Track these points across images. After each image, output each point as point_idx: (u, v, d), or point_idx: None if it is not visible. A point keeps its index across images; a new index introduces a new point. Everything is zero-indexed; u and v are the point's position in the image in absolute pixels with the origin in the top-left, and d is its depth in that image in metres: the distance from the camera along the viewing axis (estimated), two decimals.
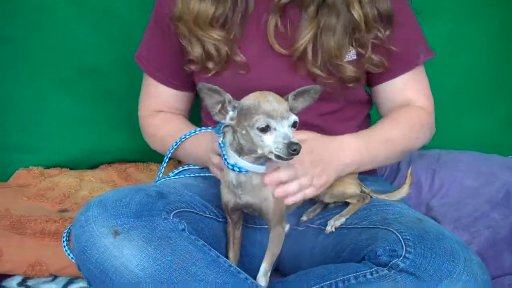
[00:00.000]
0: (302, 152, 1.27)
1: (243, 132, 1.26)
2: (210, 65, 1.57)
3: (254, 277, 1.38)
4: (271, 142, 1.23)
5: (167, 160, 1.64)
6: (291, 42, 1.54)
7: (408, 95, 1.67)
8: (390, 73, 1.64)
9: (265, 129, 1.23)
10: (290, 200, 1.36)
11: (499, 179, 2.03)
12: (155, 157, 2.24)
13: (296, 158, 1.25)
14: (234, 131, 1.30)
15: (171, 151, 1.63)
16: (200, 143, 1.57)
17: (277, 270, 1.60)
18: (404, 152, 1.64)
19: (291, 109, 1.29)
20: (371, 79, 1.68)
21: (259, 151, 1.26)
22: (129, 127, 2.18)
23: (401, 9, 1.61)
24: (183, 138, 1.60)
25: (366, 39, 1.55)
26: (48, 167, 2.18)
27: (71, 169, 2.20)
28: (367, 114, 1.75)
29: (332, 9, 1.52)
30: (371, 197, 1.55)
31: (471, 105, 2.30)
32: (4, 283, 1.70)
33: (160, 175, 1.66)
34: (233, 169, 1.32)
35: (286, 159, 1.24)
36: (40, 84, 2.13)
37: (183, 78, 1.71)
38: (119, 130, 2.21)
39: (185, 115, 1.81)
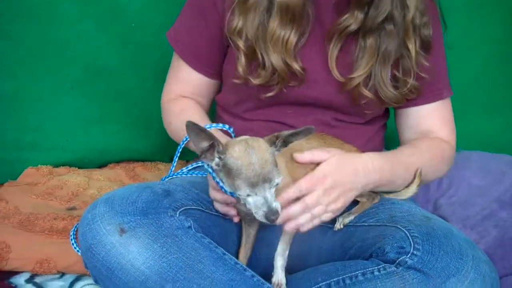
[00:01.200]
0: (317, 181, 1.32)
1: (229, 182, 1.26)
2: (262, 73, 1.53)
3: (261, 275, 1.38)
4: (251, 206, 1.24)
5: (178, 155, 1.61)
6: (348, 69, 1.54)
7: (432, 125, 1.65)
8: (417, 100, 1.63)
9: (247, 195, 1.24)
10: (304, 229, 1.36)
11: (507, 179, 2.02)
12: (163, 156, 2.27)
13: (309, 187, 1.31)
14: None
15: (178, 153, 1.61)
16: None
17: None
18: (422, 181, 1.58)
19: (284, 142, 1.27)
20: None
21: (241, 202, 1.29)
22: (137, 127, 2.20)
23: (437, 37, 1.61)
24: (185, 141, 1.57)
25: (411, 66, 1.55)
26: (56, 166, 2.19)
27: (79, 168, 2.21)
28: (384, 124, 1.74)
29: (390, 38, 1.52)
30: (380, 196, 1.54)
31: (481, 106, 2.30)
32: (12, 280, 1.71)
33: (172, 171, 1.65)
34: (232, 196, 1.33)
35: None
36: (50, 83, 2.14)
37: (218, 67, 1.69)
38: (128, 130, 2.22)
39: (210, 101, 1.78)
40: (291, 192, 1.33)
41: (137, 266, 1.25)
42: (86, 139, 2.20)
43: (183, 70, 1.71)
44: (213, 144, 1.25)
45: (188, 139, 1.51)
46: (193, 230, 1.33)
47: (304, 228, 1.35)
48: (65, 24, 2.10)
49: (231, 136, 1.52)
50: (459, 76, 2.16)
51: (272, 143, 1.27)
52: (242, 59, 1.52)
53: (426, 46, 1.57)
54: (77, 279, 1.71)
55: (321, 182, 1.35)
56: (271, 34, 1.48)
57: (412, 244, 1.31)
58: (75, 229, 1.67)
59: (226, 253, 1.34)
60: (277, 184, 1.25)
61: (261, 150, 1.25)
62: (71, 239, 1.63)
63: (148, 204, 1.32)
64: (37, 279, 1.71)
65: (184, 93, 1.73)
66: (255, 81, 1.52)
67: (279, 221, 1.28)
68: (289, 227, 1.33)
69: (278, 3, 1.47)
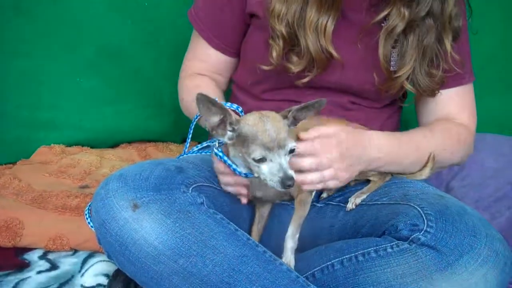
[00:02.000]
0: (331, 144, 1.30)
1: (240, 155, 1.28)
2: (296, 60, 1.53)
3: (272, 251, 1.38)
4: (266, 173, 1.25)
5: (191, 132, 1.60)
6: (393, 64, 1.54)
7: (451, 110, 1.64)
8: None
9: (262, 160, 1.25)
10: (307, 187, 1.36)
11: None
12: (175, 137, 2.27)
13: (324, 149, 1.30)
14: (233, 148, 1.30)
15: (191, 129, 1.60)
16: None
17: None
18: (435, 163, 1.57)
19: (295, 119, 1.29)
20: None
21: (255, 174, 1.29)
22: (150, 107, 2.20)
23: (463, 25, 1.59)
24: (197, 117, 1.56)
25: (442, 58, 1.55)
26: (69, 145, 2.20)
27: (91, 147, 2.22)
28: (400, 106, 1.73)
29: (430, 32, 1.51)
30: (392, 175, 1.54)
31: (495, 87, 2.27)
32: (26, 256, 1.73)
33: (186, 150, 1.65)
34: (246, 177, 1.33)
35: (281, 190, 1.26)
36: (64, 63, 2.15)
37: (237, 45, 1.68)
38: (140, 110, 2.23)
39: (227, 80, 1.77)
40: (305, 145, 1.33)
41: (150, 241, 1.26)
42: (98, 118, 2.21)
43: (202, 48, 1.71)
44: (225, 118, 1.25)
45: (200, 115, 1.53)
46: (205, 206, 1.33)
47: (307, 187, 1.36)
48: (80, 3, 2.11)
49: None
50: (473, 57, 2.15)
51: (285, 117, 1.29)
52: (280, 45, 1.51)
53: (455, 37, 1.56)
54: (90, 256, 1.73)
55: (335, 146, 1.36)
56: (309, 20, 1.48)
57: (425, 222, 1.31)
58: (90, 206, 1.68)
59: (238, 229, 1.34)
60: (292, 151, 1.26)
61: (275, 119, 1.27)
62: (87, 217, 1.64)
63: (161, 180, 1.32)
64: (50, 256, 1.73)
65: (202, 71, 1.73)
66: (295, 69, 1.51)
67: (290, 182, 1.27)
68: (298, 179, 1.32)
69: None
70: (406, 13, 1.48)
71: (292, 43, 1.51)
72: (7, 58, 2.11)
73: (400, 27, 1.49)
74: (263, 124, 1.25)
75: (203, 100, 1.23)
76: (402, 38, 1.52)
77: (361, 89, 1.58)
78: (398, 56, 1.53)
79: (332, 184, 1.39)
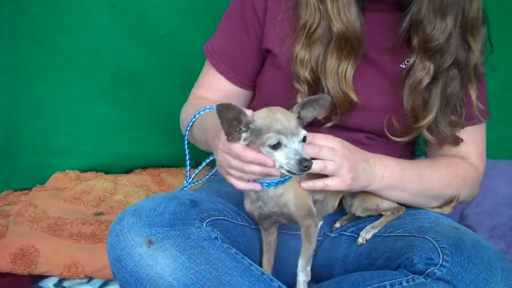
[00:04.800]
0: (336, 141, 1.35)
1: (258, 143, 1.28)
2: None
3: (288, 284, 1.38)
4: (282, 158, 1.25)
5: (187, 150, 1.61)
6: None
7: (463, 149, 1.60)
8: None
9: (276, 146, 1.26)
10: (305, 186, 1.34)
11: None
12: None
13: (328, 141, 1.32)
14: None
15: (185, 141, 1.61)
16: (203, 122, 1.52)
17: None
18: (437, 198, 1.55)
19: (301, 118, 1.30)
20: None
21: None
22: (163, 133, 2.22)
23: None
24: (194, 118, 1.55)
25: (465, 107, 1.53)
26: (84, 171, 2.22)
27: (106, 173, 2.24)
28: (416, 139, 1.68)
29: (454, 82, 1.49)
30: (405, 208, 1.53)
31: (507, 112, 2.25)
32: (41, 284, 1.75)
33: (188, 174, 1.65)
34: (269, 185, 1.33)
35: (298, 174, 1.26)
36: (79, 90, 2.18)
37: (254, 77, 1.68)
38: (154, 136, 2.25)
39: None
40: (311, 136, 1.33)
41: (165, 277, 1.26)
42: (113, 144, 2.23)
43: (215, 80, 1.69)
44: (240, 117, 1.25)
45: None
46: (220, 241, 1.33)
47: (305, 185, 1.34)
48: (95, 32, 2.14)
49: None
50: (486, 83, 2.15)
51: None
52: (305, 90, 1.51)
53: (478, 82, 1.54)
54: (105, 284, 1.74)
55: (342, 145, 1.37)
56: (330, 66, 1.48)
57: (441, 255, 1.30)
58: None
59: (253, 263, 1.34)
60: (304, 138, 1.28)
61: (283, 111, 1.30)
62: None
63: (175, 215, 1.32)
64: (65, 284, 1.75)
65: (210, 99, 1.71)
66: (320, 115, 1.49)
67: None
68: (314, 165, 1.28)
69: (336, 34, 1.45)
70: (431, 67, 1.46)
71: (316, 87, 1.51)
72: (23, 85, 2.15)
73: (426, 81, 1.47)
74: (274, 114, 1.28)
75: (221, 107, 1.23)
76: (425, 88, 1.49)
77: (379, 130, 1.56)
78: (424, 106, 1.50)
79: (333, 184, 1.36)
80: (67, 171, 2.20)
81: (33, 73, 2.14)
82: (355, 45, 1.46)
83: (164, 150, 2.25)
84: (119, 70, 2.17)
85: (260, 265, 1.46)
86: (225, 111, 1.23)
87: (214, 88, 1.70)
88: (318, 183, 1.35)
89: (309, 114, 1.32)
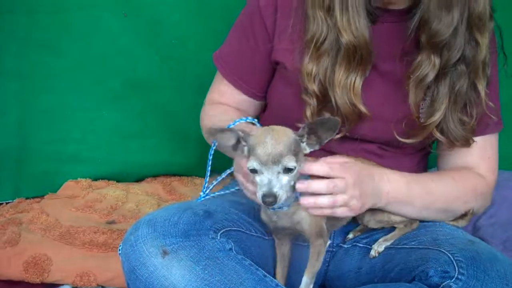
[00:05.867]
0: (348, 168, 1.29)
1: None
2: None
3: None
4: (257, 185, 1.25)
5: (211, 157, 1.55)
6: (425, 114, 1.51)
7: (471, 160, 1.58)
8: None
9: (254, 171, 1.25)
10: (316, 212, 1.33)
11: None
12: (200, 170, 2.26)
13: (340, 173, 1.29)
14: None
15: (209, 160, 1.56)
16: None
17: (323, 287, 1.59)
18: (446, 211, 1.54)
19: (319, 138, 1.27)
20: None
21: None
22: (175, 141, 2.22)
23: (494, 71, 1.57)
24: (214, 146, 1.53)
25: (476, 106, 1.51)
26: (95, 179, 2.22)
27: (117, 181, 2.24)
28: (429, 152, 1.69)
29: (462, 78, 1.48)
30: (418, 222, 1.52)
31: None
32: None
33: (205, 185, 1.64)
34: (273, 209, 1.33)
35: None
36: (91, 97, 2.18)
37: (264, 88, 1.68)
38: (166, 144, 2.25)
39: (250, 116, 1.69)
40: (320, 166, 1.31)
41: None
42: (124, 152, 2.23)
43: (225, 88, 1.70)
44: (239, 137, 1.27)
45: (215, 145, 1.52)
46: (234, 252, 1.33)
47: (315, 212, 1.32)
48: (107, 40, 2.14)
49: None
50: (500, 92, 2.13)
51: (301, 136, 1.28)
52: (314, 103, 1.50)
53: (487, 83, 1.52)
54: None
55: (352, 172, 1.34)
56: (338, 79, 1.47)
57: (456, 269, 1.29)
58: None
59: (267, 275, 1.34)
60: (289, 170, 1.24)
61: (280, 133, 1.26)
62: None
63: (189, 225, 1.32)
64: None
65: (228, 104, 1.72)
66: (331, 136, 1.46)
67: (301, 187, 1.27)
68: (307, 201, 1.30)
69: (345, 45, 1.45)
70: (437, 62, 1.45)
71: (325, 100, 1.50)
72: (35, 93, 2.15)
73: (431, 76, 1.46)
74: (265, 136, 1.25)
75: (215, 131, 1.28)
76: (433, 86, 1.49)
77: (391, 139, 1.56)
78: (431, 105, 1.49)
79: (341, 211, 1.34)
80: (79, 179, 2.20)
81: (44, 80, 2.14)
82: (364, 56, 1.46)
83: (176, 159, 2.25)
84: (131, 77, 2.17)
85: (274, 276, 1.46)
86: (218, 134, 1.28)
87: (226, 94, 1.71)
88: (326, 211, 1.33)
89: (325, 135, 1.28)
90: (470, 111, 1.52)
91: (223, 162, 1.50)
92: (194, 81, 2.12)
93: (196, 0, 2.12)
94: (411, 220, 1.50)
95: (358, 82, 1.47)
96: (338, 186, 1.31)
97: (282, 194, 1.24)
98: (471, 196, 1.55)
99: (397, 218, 1.48)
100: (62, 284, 1.78)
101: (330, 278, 1.55)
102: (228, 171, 1.60)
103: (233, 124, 1.51)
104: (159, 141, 2.24)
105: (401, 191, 1.45)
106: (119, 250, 1.45)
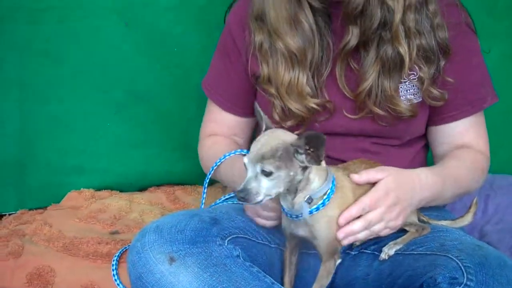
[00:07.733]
0: (381, 197, 1.34)
1: None
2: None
3: None
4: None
5: (206, 187, 1.68)
6: (357, 85, 1.55)
7: (469, 139, 1.64)
8: (454, 115, 1.62)
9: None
10: (346, 242, 1.37)
11: None
12: (203, 179, 2.27)
13: (372, 199, 1.34)
14: None
15: (206, 181, 1.67)
16: (234, 168, 1.58)
17: None
18: (464, 193, 1.62)
19: (307, 160, 1.26)
20: (433, 119, 1.65)
21: None
22: (178, 150, 2.21)
23: (467, 47, 1.60)
24: (215, 165, 1.63)
25: (424, 72, 1.54)
26: (98, 189, 2.21)
27: (120, 191, 2.22)
28: (425, 144, 1.72)
29: (387, 45, 1.51)
30: (429, 225, 1.51)
31: None
32: None
33: (203, 201, 1.67)
34: (291, 217, 1.34)
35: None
36: (93, 107, 2.18)
37: (248, 104, 1.71)
38: (169, 154, 2.24)
39: (247, 139, 1.80)
40: (354, 210, 1.34)
41: None
42: (127, 162, 2.22)
43: (214, 111, 1.76)
44: None
45: (212, 171, 1.63)
46: (242, 259, 1.33)
47: (346, 241, 1.37)
48: (109, 49, 2.13)
49: None
50: (502, 99, 2.13)
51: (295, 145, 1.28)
52: (278, 105, 1.56)
53: (446, 52, 1.55)
54: None
55: (384, 199, 1.36)
56: (281, 79, 1.53)
57: (465, 275, 1.28)
58: (117, 259, 1.68)
59: (275, 282, 1.34)
60: (268, 174, 1.23)
61: (273, 137, 1.28)
62: (114, 273, 1.64)
63: (196, 232, 1.32)
64: None
65: (219, 133, 1.77)
66: (287, 124, 1.55)
67: (343, 235, 1.33)
68: (348, 240, 1.36)
69: (279, 49, 1.52)
70: (356, 31, 1.49)
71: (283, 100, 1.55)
72: (36, 103, 2.15)
73: (352, 44, 1.50)
74: (261, 136, 1.28)
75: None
76: (364, 55, 1.53)
77: (365, 128, 1.58)
78: (361, 74, 1.53)
79: (384, 233, 1.40)
80: (82, 189, 2.19)
81: (46, 90, 2.14)
82: (300, 58, 1.52)
83: (179, 168, 2.24)
84: (133, 87, 2.17)
85: (281, 283, 1.45)
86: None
87: (219, 121, 1.76)
88: (371, 235, 1.40)
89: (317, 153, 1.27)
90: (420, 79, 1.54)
91: None
92: (195, 90, 2.10)
93: (198, 9, 2.12)
94: (423, 226, 1.49)
95: (302, 80, 1.52)
96: (371, 220, 1.35)
97: (257, 194, 1.24)
98: (481, 176, 1.63)
99: (408, 220, 1.48)
100: None
101: (337, 285, 1.54)
102: (228, 196, 1.67)
103: (223, 158, 1.60)
104: (162, 150, 2.23)
105: (438, 191, 1.49)
106: (114, 263, 1.45)
